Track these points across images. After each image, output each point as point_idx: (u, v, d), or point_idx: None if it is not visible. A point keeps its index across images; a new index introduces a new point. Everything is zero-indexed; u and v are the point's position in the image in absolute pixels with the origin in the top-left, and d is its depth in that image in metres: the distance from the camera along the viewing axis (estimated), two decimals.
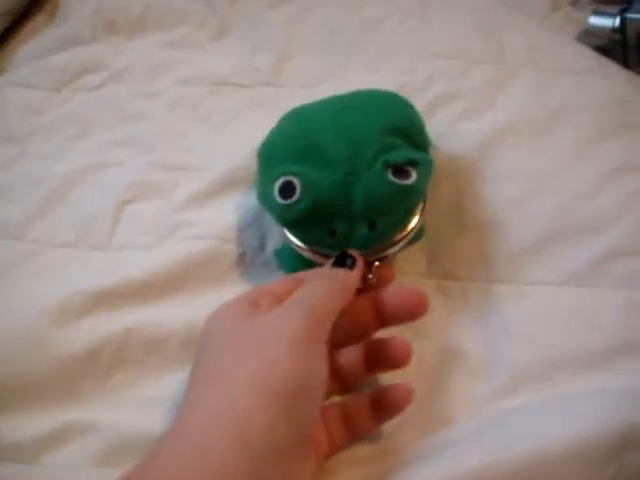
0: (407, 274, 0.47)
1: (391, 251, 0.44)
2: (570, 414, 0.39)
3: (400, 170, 0.42)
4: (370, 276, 0.43)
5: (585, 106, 0.51)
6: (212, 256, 0.48)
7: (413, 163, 0.43)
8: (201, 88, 0.58)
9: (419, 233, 0.47)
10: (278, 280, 0.42)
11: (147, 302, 0.46)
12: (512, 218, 0.47)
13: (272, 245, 0.49)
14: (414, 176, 0.43)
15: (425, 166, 0.44)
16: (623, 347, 0.43)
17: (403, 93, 0.49)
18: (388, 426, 0.42)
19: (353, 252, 0.43)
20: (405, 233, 0.44)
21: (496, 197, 0.48)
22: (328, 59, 0.57)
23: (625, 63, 0.56)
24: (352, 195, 0.43)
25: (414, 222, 0.45)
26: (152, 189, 0.52)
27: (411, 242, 0.46)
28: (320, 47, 0.58)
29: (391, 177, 0.42)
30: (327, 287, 0.40)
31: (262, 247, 0.49)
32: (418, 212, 0.45)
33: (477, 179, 0.49)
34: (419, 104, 0.50)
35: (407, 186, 0.42)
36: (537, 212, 0.47)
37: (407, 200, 0.43)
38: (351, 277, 0.41)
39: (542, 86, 0.52)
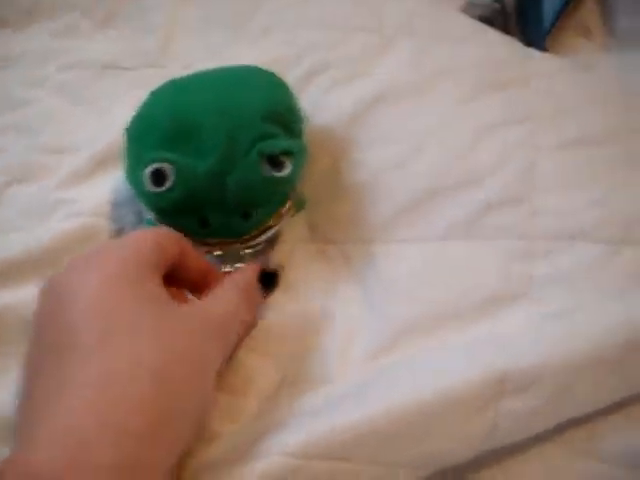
0: (287, 242, 0.47)
1: (263, 238, 0.44)
2: (445, 365, 0.39)
3: (275, 160, 0.42)
4: (240, 265, 0.43)
5: (462, 68, 0.51)
6: (89, 233, 0.47)
7: (289, 153, 0.42)
8: (85, 72, 0.57)
9: (300, 204, 0.47)
10: (162, 234, 0.39)
11: (22, 282, 0.45)
12: (390, 179, 0.47)
13: None
14: (289, 167, 0.42)
15: (300, 155, 0.44)
16: (502, 297, 0.43)
17: (279, 65, 0.50)
18: (267, 385, 0.41)
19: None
20: (277, 221, 0.44)
21: (373, 161, 0.48)
22: (211, 38, 0.57)
23: (506, 31, 0.57)
24: (226, 185, 0.42)
25: (286, 209, 0.45)
26: (32, 172, 0.51)
27: (294, 213, 0.47)
28: (204, 27, 0.58)
29: (266, 169, 0.42)
30: (249, 318, 0.39)
31: (139, 222, 0.48)
32: (290, 198, 0.45)
33: (354, 145, 0.48)
34: (295, 75, 0.51)
35: (282, 178, 0.42)
36: (414, 172, 0.47)
37: (281, 191, 0.43)
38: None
39: (419, 52, 0.52)
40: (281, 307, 0.44)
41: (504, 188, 0.46)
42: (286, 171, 0.42)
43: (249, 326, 0.41)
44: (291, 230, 0.47)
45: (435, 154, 0.47)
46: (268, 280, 0.43)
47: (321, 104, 0.50)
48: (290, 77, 0.50)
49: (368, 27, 0.54)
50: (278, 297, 0.44)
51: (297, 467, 0.36)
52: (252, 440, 0.38)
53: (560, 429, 0.40)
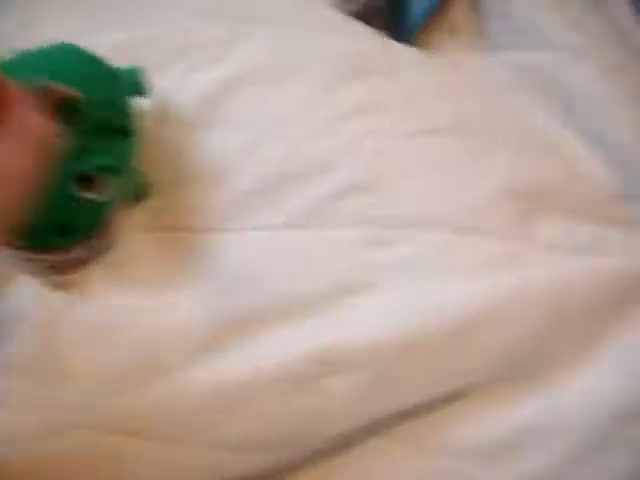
0: (128, 231, 0.44)
1: (73, 255, 0.40)
2: (273, 349, 0.39)
3: (89, 180, 0.39)
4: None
5: (323, 58, 0.50)
6: None
7: (105, 169, 0.39)
8: None
9: (144, 192, 0.45)
10: None
11: None
12: (238, 165, 0.45)
13: None
14: (104, 186, 0.39)
15: (120, 169, 0.41)
16: (344, 286, 0.42)
17: (135, 47, 0.49)
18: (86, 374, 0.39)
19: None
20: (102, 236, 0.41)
21: (224, 146, 0.46)
22: (71, 23, 0.55)
23: (377, 27, 0.57)
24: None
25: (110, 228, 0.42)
26: None
27: (136, 201, 0.45)
28: (65, 10, 0.56)
29: (77, 189, 0.38)
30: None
31: None
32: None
33: (207, 129, 0.47)
34: (152, 59, 0.49)
35: (95, 200, 0.39)
36: (263, 158, 0.46)
37: (97, 212, 0.40)
38: None
39: (281, 40, 0.51)
40: (114, 300, 0.42)
41: (353, 176, 0.45)
42: (99, 193, 0.39)
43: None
44: (133, 218, 0.45)
45: (287, 140, 0.46)
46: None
47: (177, 88, 0.48)
48: (148, 61, 0.47)
49: (231, 14, 0.53)
50: (112, 290, 0.42)
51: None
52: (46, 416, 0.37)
53: (397, 423, 0.39)
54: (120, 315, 0.41)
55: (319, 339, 0.38)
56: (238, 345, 0.39)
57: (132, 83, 0.45)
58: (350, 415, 0.37)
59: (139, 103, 0.45)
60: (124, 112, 0.43)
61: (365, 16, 0.58)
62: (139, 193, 0.45)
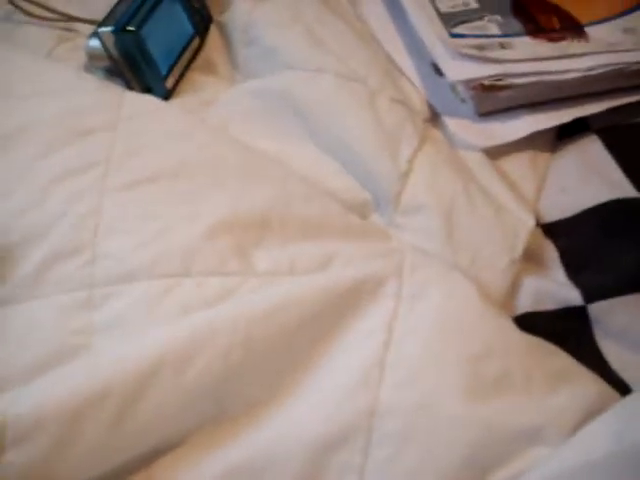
0: None
1: None
2: None
3: None
4: None
5: (42, 123, 0.49)
6: None
7: None
8: None
9: None
10: None
11: None
12: None
13: None
14: None
15: None
16: (59, 354, 0.41)
17: None
18: None
19: None
20: None
21: None
22: None
23: (123, 77, 0.57)
24: None
25: None
26: None
27: None
28: None
29: None
30: None
31: None
32: None
33: None
34: None
35: None
36: None
37: None
38: None
39: (4, 112, 0.51)
40: None
41: (64, 239, 0.44)
42: None
43: None
44: None
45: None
46: None
47: None
48: None
49: None
50: None
51: None
52: None
53: None
54: None
55: None
56: None
57: None
58: None
59: None
60: None
61: (116, 71, 0.58)
62: None
